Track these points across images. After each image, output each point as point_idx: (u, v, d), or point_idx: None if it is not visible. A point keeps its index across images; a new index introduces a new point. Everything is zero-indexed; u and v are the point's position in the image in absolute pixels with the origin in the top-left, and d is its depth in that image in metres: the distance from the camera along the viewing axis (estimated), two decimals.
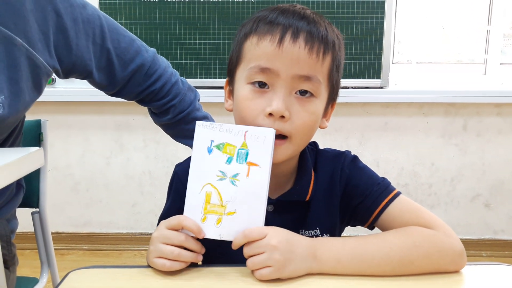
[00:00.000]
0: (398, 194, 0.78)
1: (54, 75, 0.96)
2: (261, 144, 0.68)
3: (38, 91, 0.88)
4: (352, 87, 2.05)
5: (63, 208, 2.32)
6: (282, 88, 0.70)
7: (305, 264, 0.67)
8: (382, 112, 2.18)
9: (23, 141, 1.04)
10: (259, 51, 0.71)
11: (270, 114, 0.70)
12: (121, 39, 0.99)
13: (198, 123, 0.70)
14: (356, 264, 0.68)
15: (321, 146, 0.87)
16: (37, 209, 1.19)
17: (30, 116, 1.05)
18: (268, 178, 0.68)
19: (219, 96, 1.93)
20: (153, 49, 1.06)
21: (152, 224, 2.32)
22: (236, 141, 0.69)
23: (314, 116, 0.73)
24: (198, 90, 1.18)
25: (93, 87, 1.05)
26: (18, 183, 1.06)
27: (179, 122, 1.13)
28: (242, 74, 0.74)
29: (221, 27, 2.02)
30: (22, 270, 1.17)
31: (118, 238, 2.35)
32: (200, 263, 0.69)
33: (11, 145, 0.96)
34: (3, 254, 1.00)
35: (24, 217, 1.19)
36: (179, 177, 0.81)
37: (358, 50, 2.02)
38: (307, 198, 0.80)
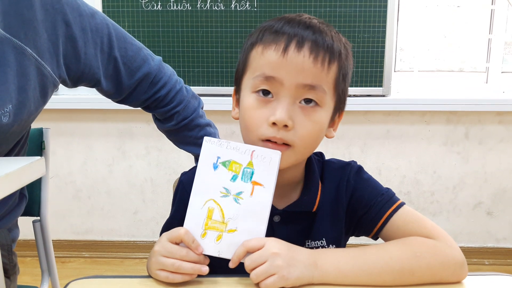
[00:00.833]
0: (401, 204, 0.79)
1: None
2: (267, 165, 0.68)
3: (44, 100, 0.89)
4: (354, 95, 2.06)
5: (64, 216, 2.32)
6: (286, 97, 0.70)
7: (307, 271, 0.67)
8: (384, 120, 2.18)
9: None
10: (264, 60, 0.72)
11: (274, 123, 0.70)
12: (129, 47, 1.00)
13: (206, 138, 0.70)
14: (356, 273, 0.68)
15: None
16: (38, 218, 1.19)
17: (32, 123, 1.05)
18: (271, 199, 0.68)
19: (222, 103, 1.97)
20: (159, 57, 1.07)
21: (154, 232, 2.32)
22: (242, 160, 0.69)
23: (318, 125, 0.73)
24: (201, 97, 1.18)
25: (95, 95, 1.06)
26: (21, 192, 1.06)
27: (182, 128, 1.13)
28: (247, 83, 0.75)
29: (224, 35, 2.02)
30: (23, 278, 1.16)
31: (120, 245, 2.34)
32: (206, 273, 0.68)
33: (16, 156, 0.96)
34: (4, 263, 1.00)
35: (25, 225, 1.18)
36: (184, 186, 0.81)
37: (360, 58, 2.02)
38: (314, 209, 0.79)
